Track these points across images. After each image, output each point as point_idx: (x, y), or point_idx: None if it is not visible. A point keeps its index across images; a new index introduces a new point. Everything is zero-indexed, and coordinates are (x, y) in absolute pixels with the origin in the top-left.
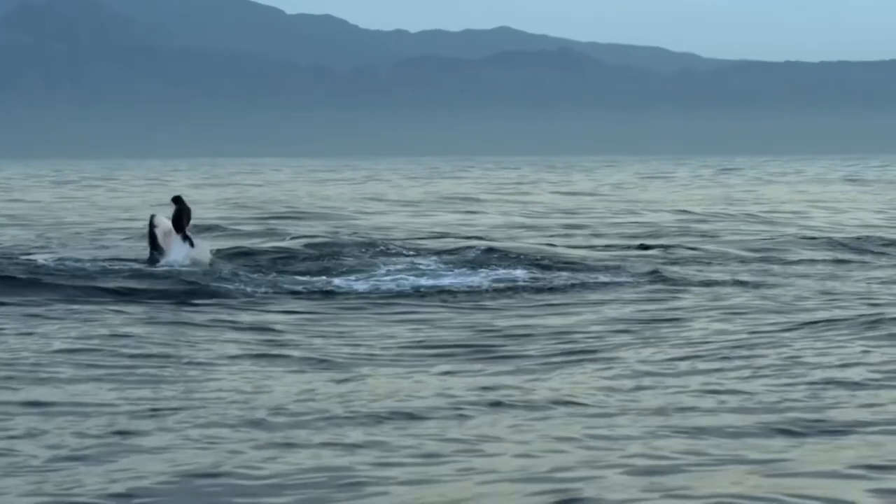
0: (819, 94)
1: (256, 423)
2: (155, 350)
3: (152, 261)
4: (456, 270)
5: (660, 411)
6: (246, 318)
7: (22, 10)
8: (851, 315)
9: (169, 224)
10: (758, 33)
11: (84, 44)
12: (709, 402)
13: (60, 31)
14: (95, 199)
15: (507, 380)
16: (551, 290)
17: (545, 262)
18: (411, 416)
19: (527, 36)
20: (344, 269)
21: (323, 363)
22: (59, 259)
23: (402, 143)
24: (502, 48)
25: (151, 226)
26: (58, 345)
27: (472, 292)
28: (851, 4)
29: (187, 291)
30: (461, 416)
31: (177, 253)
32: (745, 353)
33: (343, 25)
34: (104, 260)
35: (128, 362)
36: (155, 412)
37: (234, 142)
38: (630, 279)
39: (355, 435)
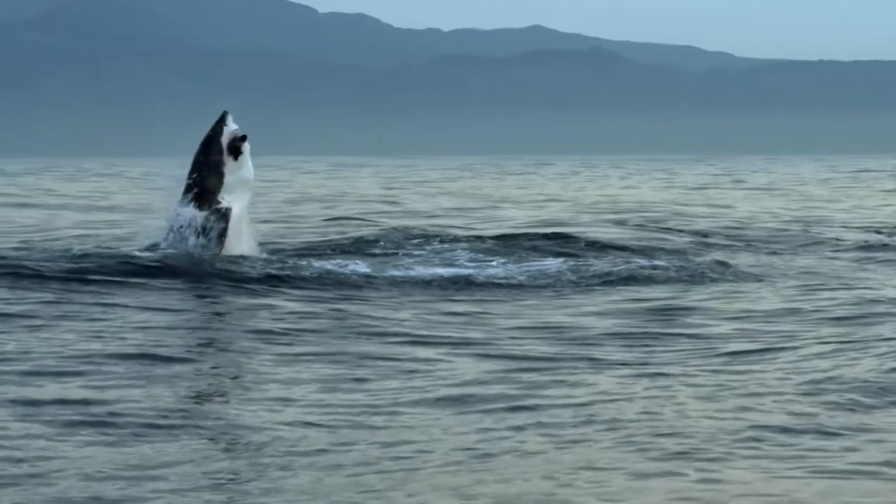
0: (853, 94)
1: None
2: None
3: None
4: None
5: None
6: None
7: (53, 9)
8: None
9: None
10: (791, 32)
11: (113, 42)
12: None
13: (90, 28)
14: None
15: None
16: None
17: None
18: None
19: (559, 35)
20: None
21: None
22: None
23: (435, 142)
24: (535, 47)
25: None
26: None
27: None
28: (885, 2)
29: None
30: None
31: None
32: None
33: (375, 24)
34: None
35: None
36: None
37: (266, 141)
38: None
39: None
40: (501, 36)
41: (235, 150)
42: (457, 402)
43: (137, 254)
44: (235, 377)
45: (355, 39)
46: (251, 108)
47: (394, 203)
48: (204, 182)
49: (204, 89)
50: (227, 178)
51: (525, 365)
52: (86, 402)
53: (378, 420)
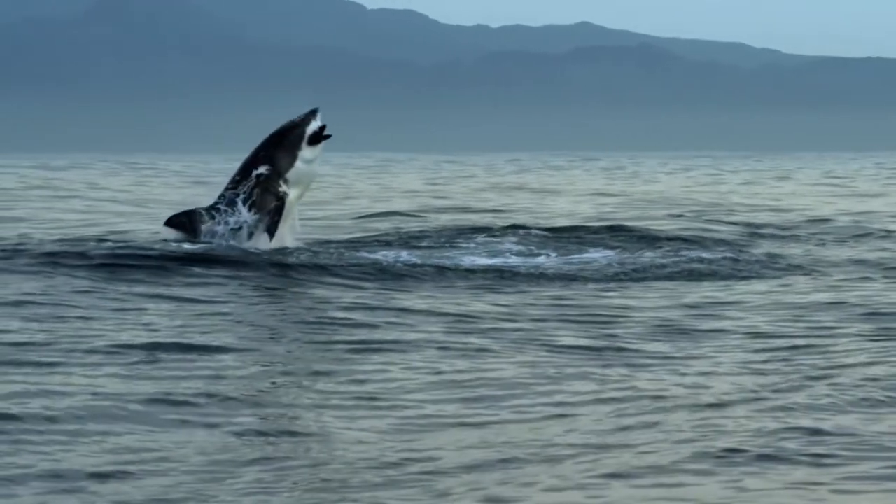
0: None
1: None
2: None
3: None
4: None
5: None
6: None
7: (103, 4)
8: None
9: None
10: (839, 29)
11: (164, 38)
12: None
13: (140, 24)
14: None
15: None
16: None
17: None
18: None
19: (607, 31)
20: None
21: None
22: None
23: (482, 138)
24: (583, 43)
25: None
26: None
27: None
28: None
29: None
30: None
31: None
32: None
33: (424, 20)
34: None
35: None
36: None
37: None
38: None
39: None
40: (549, 32)
41: (315, 139)
42: (488, 395)
43: (185, 246)
44: (294, 370)
45: (404, 36)
46: (299, 104)
47: (442, 197)
48: (275, 161)
49: (253, 85)
50: (298, 164)
51: (562, 357)
52: (142, 395)
53: (412, 413)
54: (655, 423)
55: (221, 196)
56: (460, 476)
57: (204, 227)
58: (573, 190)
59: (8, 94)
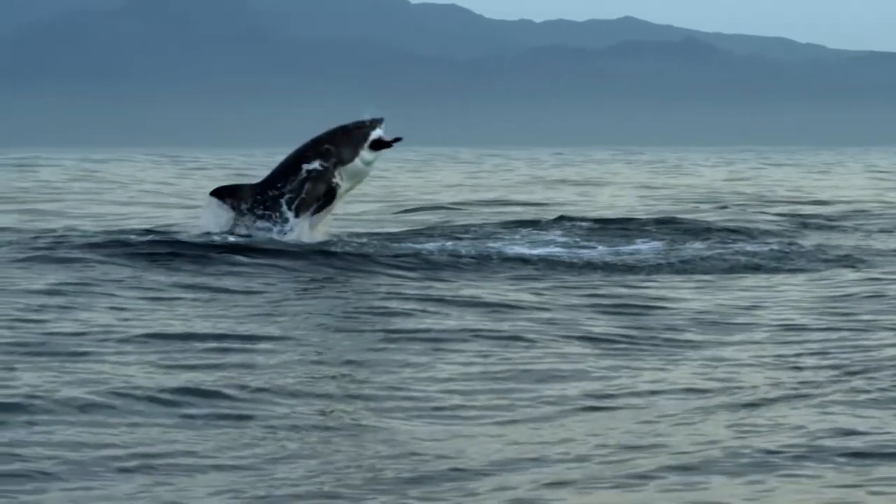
0: None
1: None
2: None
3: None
4: None
5: None
6: None
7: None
8: None
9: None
10: (885, 23)
11: (203, 31)
12: None
13: (180, 17)
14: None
15: None
16: None
17: None
18: None
19: (651, 26)
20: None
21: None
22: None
23: (525, 132)
24: (626, 38)
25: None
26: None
27: None
28: None
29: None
30: None
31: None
32: None
33: (467, 15)
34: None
35: None
36: None
37: None
38: None
39: None
40: (593, 27)
41: (377, 145)
42: (519, 387)
43: (229, 239)
44: (328, 360)
45: (447, 30)
46: (341, 98)
47: (485, 190)
48: (339, 151)
49: (293, 79)
50: (357, 161)
51: (598, 348)
52: (186, 388)
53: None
54: (689, 420)
55: (268, 184)
56: (489, 475)
57: (243, 219)
58: (617, 183)
59: (48, 88)
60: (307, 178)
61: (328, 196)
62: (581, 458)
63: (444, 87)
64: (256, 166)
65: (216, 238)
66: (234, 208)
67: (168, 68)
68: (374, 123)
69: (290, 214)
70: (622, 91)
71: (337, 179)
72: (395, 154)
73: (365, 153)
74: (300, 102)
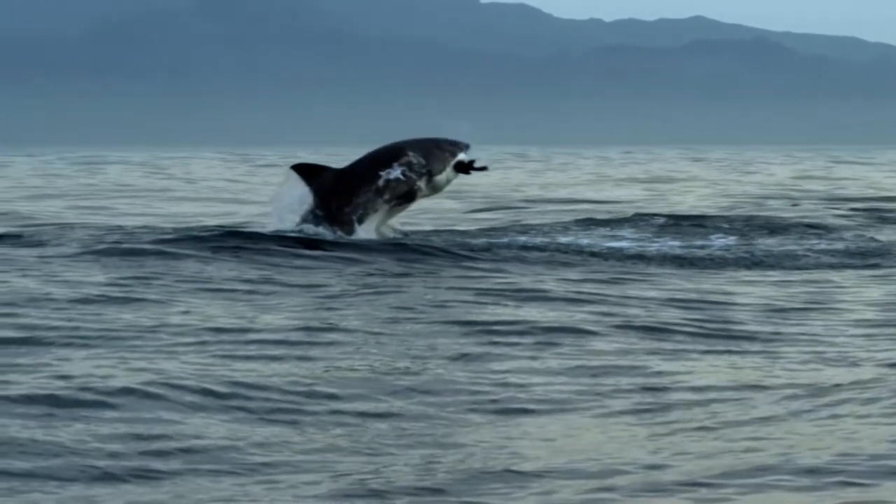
0: None
1: None
2: None
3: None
4: None
5: None
6: None
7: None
8: None
9: None
10: None
11: (272, 30)
12: None
13: (249, 16)
14: None
15: None
16: None
17: None
18: None
19: (721, 25)
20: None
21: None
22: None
23: (595, 131)
24: (696, 37)
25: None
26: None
27: None
28: None
29: None
30: None
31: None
32: None
33: (537, 14)
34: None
35: None
36: None
37: (425, 130)
38: None
39: None
40: (663, 26)
41: (460, 167)
42: (582, 382)
43: (298, 233)
44: (392, 354)
45: (516, 29)
46: (410, 98)
47: (556, 188)
48: (429, 160)
49: (363, 78)
50: (441, 176)
51: (664, 342)
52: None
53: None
54: (752, 420)
55: (347, 177)
56: (543, 476)
57: (313, 209)
58: (687, 181)
59: (120, 86)
60: (388, 183)
61: (403, 202)
62: (642, 463)
63: (514, 87)
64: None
65: (284, 228)
66: (312, 190)
67: (239, 67)
68: (462, 147)
69: (357, 222)
70: (691, 90)
71: (419, 185)
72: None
73: (448, 171)
74: (370, 101)
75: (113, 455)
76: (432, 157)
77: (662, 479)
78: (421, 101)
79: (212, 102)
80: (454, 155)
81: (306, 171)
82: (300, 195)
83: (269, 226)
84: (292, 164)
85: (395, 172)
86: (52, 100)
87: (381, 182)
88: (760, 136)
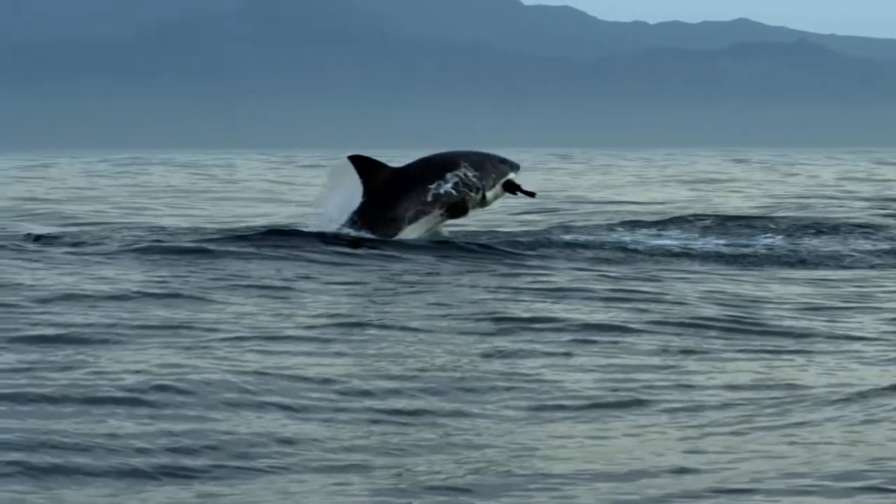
0: None
1: None
2: None
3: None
4: None
5: None
6: None
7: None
8: None
9: None
10: None
11: (314, 32)
12: None
13: (291, 19)
14: None
15: None
16: None
17: None
18: None
19: (765, 28)
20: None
21: None
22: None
23: (640, 133)
24: (740, 40)
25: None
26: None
27: None
28: None
29: None
30: None
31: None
32: None
33: (581, 17)
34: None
35: None
36: None
37: (471, 133)
38: None
39: None
40: (707, 29)
41: (509, 186)
42: (616, 378)
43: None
44: (428, 350)
45: (560, 31)
46: (454, 100)
47: (600, 190)
48: (483, 174)
49: (405, 80)
50: (491, 192)
51: (700, 339)
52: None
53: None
54: (786, 424)
55: (398, 182)
56: (576, 481)
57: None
58: (731, 182)
59: (166, 89)
60: (439, 194)
61: (452, 214)
62: (673, 467)
63: (558, 89)
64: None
65: (327, 226)
66: (363, 183)
67: (281, 70)
68: (514, 166)
69: (402, 226)
70: (735, 92)
71: (468, 202)
72: (509, 156)
73: (498, 189)
74: (413, 104)
75: (145, 452)
76: (485, 173)
77: (693, 485)
78: (462, 103)
79: (254, 104)
80: (506, 173)
81: (362, 164)
82: (350, 191)
83: (312, 225)
84: (349, 154)
85: (448, 185)
86: (96, 102)
87: (432, 192)
88: (804, 138)
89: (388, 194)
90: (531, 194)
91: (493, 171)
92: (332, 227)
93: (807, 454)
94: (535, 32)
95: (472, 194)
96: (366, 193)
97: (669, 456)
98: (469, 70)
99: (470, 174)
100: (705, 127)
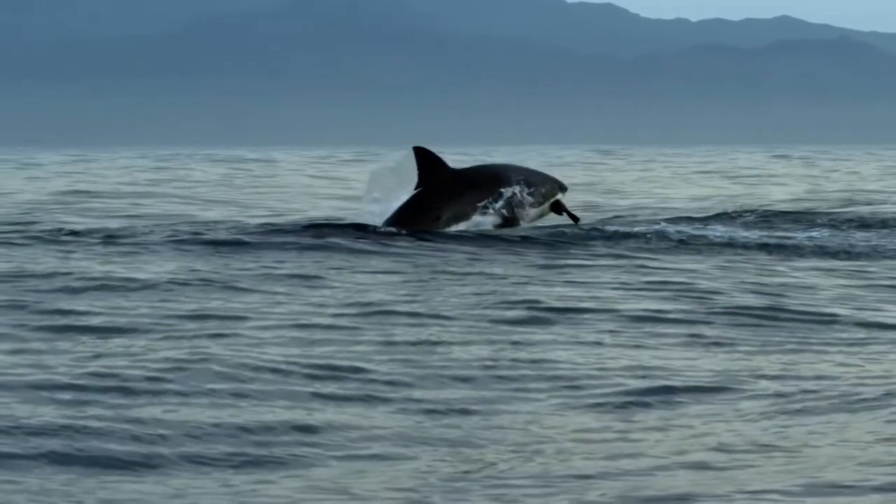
0: None
1: None
2: None
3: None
4: None
5: None
6: None
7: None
8: None
9: None
10: None
11: (358, 30)
12: None
13: (335, 17)
14: None
15: None
16: None
17: None
18: None
19: (807, 25)
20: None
21: None
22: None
23: (683, 131)
24: (782, 37)
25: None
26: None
27: None
28: None
29: None
30: None
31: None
32: None
33: (623, 14)
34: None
35: None
36: None
37: (513, 130)
38: None
39: None
40: (749, 26)
41: (555, 207)
42: (645, 365)
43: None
44: (462, 341)
45: (603, 29)
46: (497, 97)
47: (643, 184)
48: (534, 195)
49: (450, 78)
50: (538, 209)
51: (733, 330)
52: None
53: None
54: (814, 419)
55: (454, 190)
56: (604, 481)
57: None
58: (774, 177)
59: (207, 87)
60: (488, 207)
61: (497, 226)
62: (700, 465)
63: (600, 87)
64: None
65: (370, 218)
66: (420, 177)
67: (324, 68)
68: (563, 187)
69: (444, 228)
70: (777, 90)
71: (515, 216)
72: (551, 152)
73: (545, 207)
74: (458, 102)
75: (169, 439)
76: (536, 192)
77: (712, 482)
78: (510, 101)
79: (296, 102)
80: (555, 193)
81: (424, 157)
82: (401, 184)
83: (355, 217)
84: (414, 145)
85: (499, 203)
86: (136, 100)
87: (482, 206)
88: (845, 135)
89: (438, 194)
90: (575, 218)
91: (544, 190)
92: (375, 221)
93: (834, 452)
94: (577, 30)
95: (520, 210)
96: (419, 185)
97: (693, 453)
98: (512, 68)
99: (523, 192)
100: (746, 124)
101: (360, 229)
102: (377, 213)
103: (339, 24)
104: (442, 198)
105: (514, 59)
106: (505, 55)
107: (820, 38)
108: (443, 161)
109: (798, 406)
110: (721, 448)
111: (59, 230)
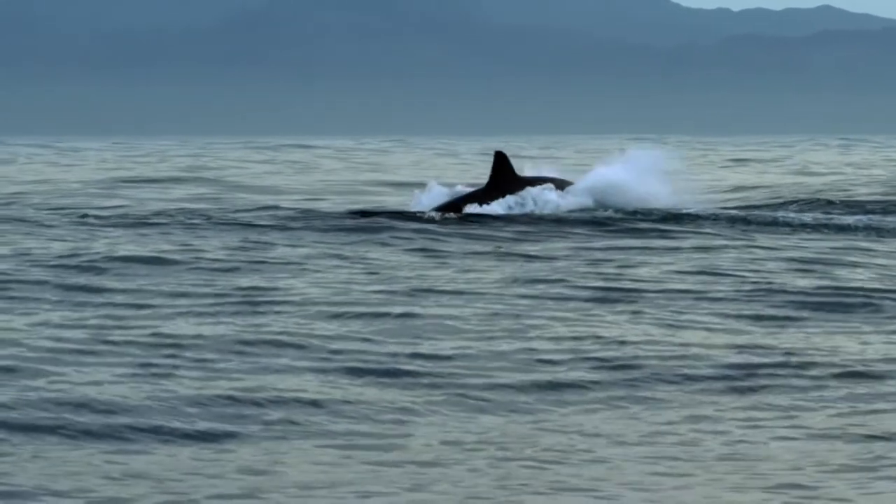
0: None
1: None
2: None
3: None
4: None
5: None
6: None
7: None
8: None
9: None
10: None
11: (404, 21)
12: None
13: (380, 8)
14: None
15: None
16: None
17: None
18: None
19: (849, 15)
20: None
21: None
22: None
23: (724, 120)
24: (824, 27)
25: None
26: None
27: None
28: None
29: None
30: None
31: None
32: None
33: (665, 4)
34: None
35: None
36: None
37: (557, 119)
38: None
39: None
40: (791, 16)
41: None
42: (686, 354)
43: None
44: (517, 315)
45: (644, 18)
46: (543, 86)
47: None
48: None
49: (496, 67)
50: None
51: (783, 309)
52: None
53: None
54: (848, 405)
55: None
56: (633, 480)
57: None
58: (824, 168)
59: (252, 77)
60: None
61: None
62: (735, 456)
63: (642, 76)
64: (475, 156)
65: (415, 214)
66: (491, 177)
67: (369, 57)
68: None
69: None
70: (819, 80)
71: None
72: (590, 141)
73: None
74: (502, 91)
75: (192, 415)
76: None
77: (731, 474)
78: (555, 90)
79: (341, 91)
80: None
81: (500, 161)
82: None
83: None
84: (497, 149)
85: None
86: (180, 90)
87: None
88: (888, 125)
89: (488, 197)
90: None
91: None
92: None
93: (867, 443)
94: (619, 20)
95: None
96: (487, 185)
97: (722, 437)
98: (556, 57)
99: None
100: (788, 114)
101: (407, 214)
102: (425, 203)
103: (383, 14)
104: (494, 195)
105: (555, 49)
106: (545, 45)
107: (862, 28)
108: (514, 171)
109: (829, 394)
110: (740, 440)
111: (99, 214)
